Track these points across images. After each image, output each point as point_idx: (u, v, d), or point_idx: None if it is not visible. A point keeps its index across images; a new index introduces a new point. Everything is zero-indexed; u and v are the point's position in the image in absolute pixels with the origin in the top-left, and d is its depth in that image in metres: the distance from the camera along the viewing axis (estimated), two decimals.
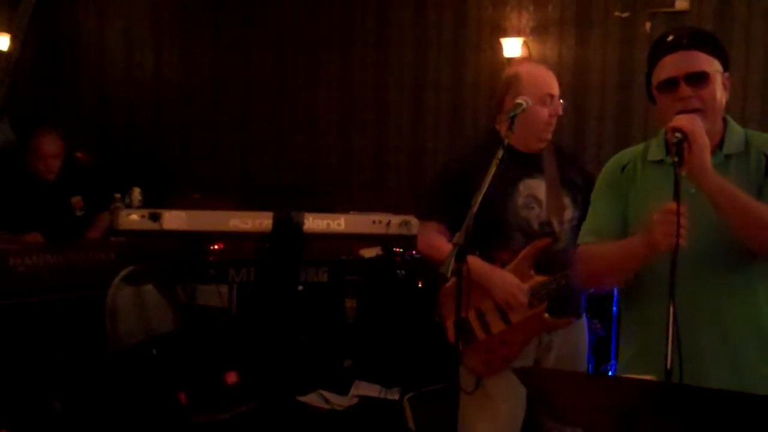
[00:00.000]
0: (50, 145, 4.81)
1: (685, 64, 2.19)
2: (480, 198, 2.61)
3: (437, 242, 3.06)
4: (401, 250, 5.45)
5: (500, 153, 2.71)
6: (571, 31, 6.53)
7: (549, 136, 3.14)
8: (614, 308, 4.80)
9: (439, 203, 3.13)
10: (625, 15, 6.31)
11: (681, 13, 6.07)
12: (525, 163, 3.12)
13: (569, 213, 3.10)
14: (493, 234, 3.04)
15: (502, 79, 3.23)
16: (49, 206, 4.80)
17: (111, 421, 3.97)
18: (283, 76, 7.59)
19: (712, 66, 2.21)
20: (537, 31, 6.61)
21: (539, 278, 3.04)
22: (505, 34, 6.66)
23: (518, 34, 6.63)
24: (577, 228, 2.81)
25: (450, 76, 6.99)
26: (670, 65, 2.21)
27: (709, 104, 2.19)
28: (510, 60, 6.59)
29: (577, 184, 3.14)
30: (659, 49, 2.26)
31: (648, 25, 6.22)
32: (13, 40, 3.09)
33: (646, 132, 6.17)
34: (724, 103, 2.26)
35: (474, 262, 2.89)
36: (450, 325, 3.09)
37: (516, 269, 3.06)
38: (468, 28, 6.91)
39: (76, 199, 4.90)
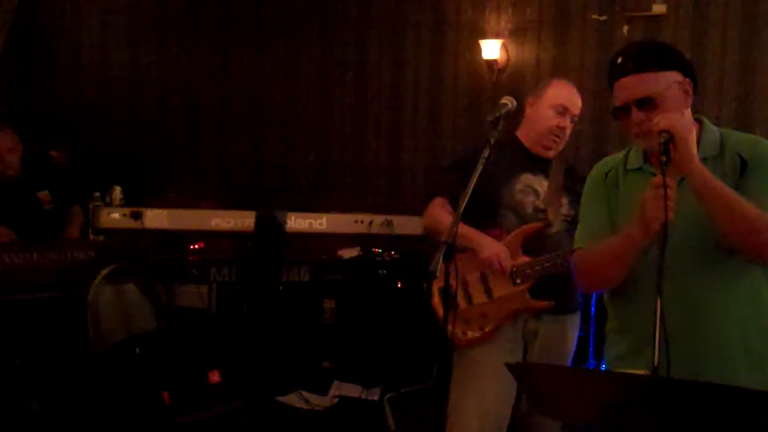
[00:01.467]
0: (3, 140, 4.74)
1: (633, 90, 2.25)
2: (467, 198, 2.67)
3: (441, 215, 3.17)
4: (380, 250, 5.47)
5: (486, 151, 2.79)
6: (549, 34, 6.57)
7: (552, 145, 3.25)
8: (592, 308, 4.86)
9: (447, 182, 3.22)
10: (603, 18, 6.35)
11: (658, 17, 6.12)
12: (531, 162, 3.25)
13: (565, 210, 3.21)
14: (487, 212, 3.16)
15: (536, 84, 3.42)
16: (14, 202, 4.75)
17: (93, 421, 3.94)
18: (260, 75, 7.56)
19: (662, 84, 2.24)
20: (515, 34, 6.64)
21: (526, 258, 3.12)
22: (484, 36, 6.69)
23: (497, 36, 6.66)
24: (570, 224, 2.90)
25: (428, 78, 7.00)
26: (621, 91, 2.28)
27: None
28: (489, 62, 6.63)
29: (579, 194, 3.22)
30: (612, 73, 2.32)
31: (626, 28, 6.27)
32: None
33: (622, 135, 6.23)
34: (687, 109, 2.29)
35: (464, 228, 2.97)
36: (436, 290, 3.16)
37: (505, 246, 3.13)
38: (447, 31, 6.92)
39: (43, 194, 4.85)
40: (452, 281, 3.08)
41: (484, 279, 3.19)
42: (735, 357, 2.21)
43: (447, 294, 2.67)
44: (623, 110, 2.27)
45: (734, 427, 1.77)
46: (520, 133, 3.31)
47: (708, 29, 5.99)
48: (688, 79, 2.29)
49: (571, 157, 3.44)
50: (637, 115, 2.24)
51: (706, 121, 2.35)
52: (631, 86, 2.24)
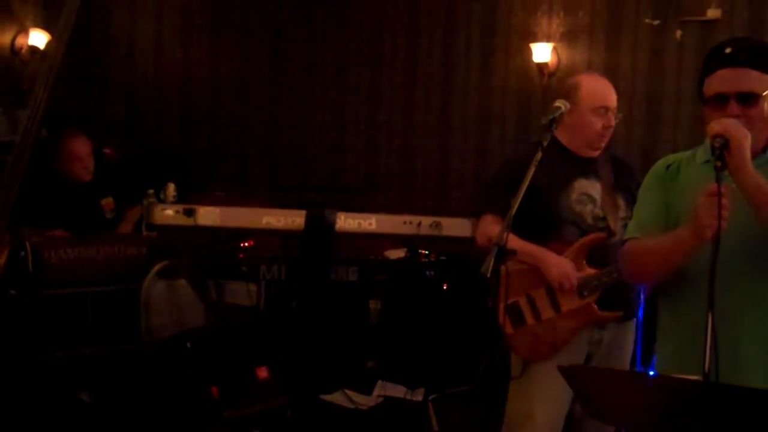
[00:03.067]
0: (82, 146, 4.87)
1: (737, 82, 2.23)
2: (519, 201, 2.70)
3: (495, 233, 3.11)
4: (427, 252, 5.47)
5: (538, 155, 2.83)
6: (601, 38, 6.53)
7: (602, 145, 3.25)
8: (640, 314, 4.81)
9: (496, 197, 3.20)
10: (656, 23, 6.31)
11: (713, 21, 6.06)
12: (580, 165, 3.24)
13: (623, 212, 3.20)
14: (547, 226, 3.15)
15: (562, 88, 3.34)
16: (79, 207, 4.85)
17: (142, 413, 4.01)
18: (311, 75, 7.62)
19: (764, 85, 2.24)
20: (567, 37, 6.62)
21: (591, 270, 3.11)
22: (535, 40, 6.67)
23: (548, 39, 6.64)
24: None
25: (478, 81, 7.00)
26: (723, 80, 2.25)
27: (756, 123, 2.23)
28: (540, 66, 6.61)
29: (631, 189, 3.22)
30: (715, 60, 2.29)
31: (679, 33, 6.21)
32: (55, 38, 3.12)
33: (674, 139, 6.18)
34: None
35: (529, 246, 2.98)
36: (501, 309, 3.17)
37: (569, 260, 3.13)
38: (497, 34, 6.92)
39: (107, 201, 4.95)
40: (520, 300, 3.14)
41: (550, 293, 3.16)
42: None
43: (499, 294, 2.68)
44: (720, 99, 2.25)
45: None
46: (563, 138, 3.23)
47: (764, 33, 5.91)
48: None
49: (612, 147, 3.38)
50: (733, 108, 2.23)
51: None
52: (737, 78, 2.24)
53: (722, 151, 2.10)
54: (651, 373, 3.49)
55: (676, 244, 2.22)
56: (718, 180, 2.05)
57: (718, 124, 2.14)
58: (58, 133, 5.00)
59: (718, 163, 2.09)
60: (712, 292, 1.97)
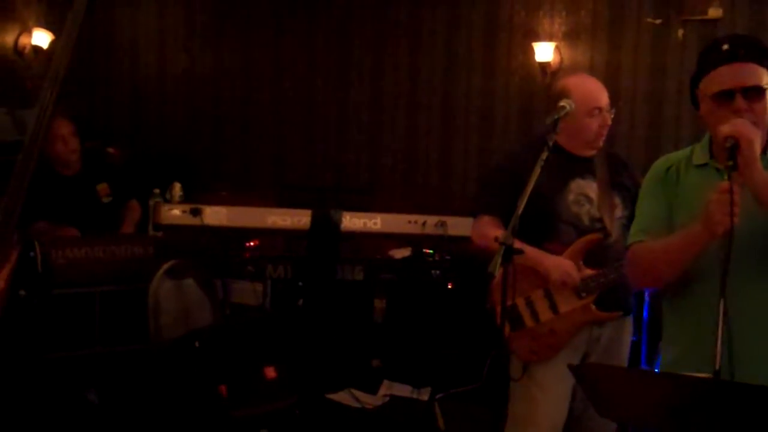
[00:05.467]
0: (64, 126, 4.87)
1: (741, 77, 2.25)
2: (525, 200, 2.74)
3: (492, 233, 3.11)
4: (431, 251, 5.50)
5: (544, 154, 2.84)
6: (604, 37, 6.55)
7: (600, 143, 3.25)
8: (645, 314, 4.84)
9: (492, 198, 3.22)
10: (658, 22, 6.33)
11: (714, 20, 6.08)
12: (576, 165, 3.24)
13: (619, 211, 3.21)
14: (544, 227, 3.16)
15: (553, 90, 3.34)
16: (74, 195, 4.88)
17: (151, 412, 4.03)
18: (314, 75, 7.64)
19: (766, 79, 2.26)
20: (569, 36, 6.64)
21: (589, 271, 3.13)
22: (538, 39, 6.69)
23: (550, 38, 6.66)
24: (626, 227, 2.91)
25: (481, 80, 7.02)
26: (727, 76, 2.26)
27: (761, 117, 2.25)
28: (542, 65, 6.63)
29: (627, 186, 3.25)
30: (713, 57, 2.30)
31: (681, 32, 6.24)
32: (64, 39, 3.13)
33: (676, 138, 6.20)
34: None
35: (528, 248, 3.01)
36: (499, 311, 3.18)
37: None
38: (500, 32, 6.94)
39: (102, 186, 4.97)
40: (518, 302, 3.16)
41: (548, 295, 3.19)
42: None
43: (505, 293, 2.70)
44: (725, 96, 2.26)
45: None
46: (560, 139, 3.16)
47: (764, 32, 5.93)
48: None
49: (614, 146, 3.39)
50: (740, 103, 2.24)
51: None
52: (740, 74, 2.25)
53: (733, 152, 2.12)
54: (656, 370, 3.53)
55: (686, 243, 2.23)
56: (730, 178, 2.07)
57: (729, 126, 2.16)
58: None
59: (730, 163, 2.11)
60: (724, 287, 1.99)
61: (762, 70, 2.26)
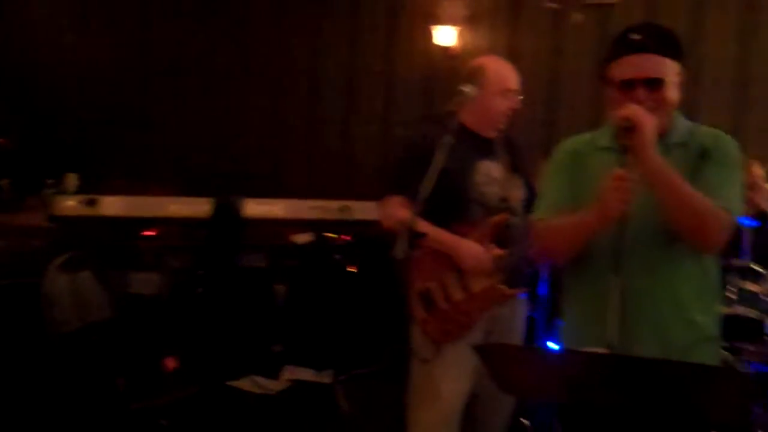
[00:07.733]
0: None
1: (645, 68, 2.29)
2: (431, 185, 2.73)
3: (399, 214, 3.11)
4: (334, 235, 5.48)
5: (446, 140, 2.87)
6: (503, 21, 6.63)
7: (503, 126, 3.29)
8: (542, 290, 4.92)
9: (402, 179, 3.21)
10: (556, 6, 6.42)
11: (611, 4, 6.21)
12: (482, 146, 3.27)
13: (521, 193, 3.24)
14: (453, 207, 3.18)
15: (465, 70, 3.36)
16: None
17: (47, 408, 3.91)
18: (213, 60, 7.51)
19: (670, 71, 2.31)
20: (469, 20, 6.68)
21: (497, 251, 3.16)
22: (438, 23, 6.72)
23: (451, 22, 6.69)
24: (527, 208, 2.96)
25: (382, 63, 7.02)
26: (631, 66, 2.31)
27: (661, 106, 2.30)
28: (443, 48, 6.67)
29: (526, 169, 3.29)
30: (622, 46, 2.34)
31: (578, 15, 6.35)
32: None
33: (573, 119, 6.32)
34: (676, 102, 2.37)
35: (440, 233, 3.05)
36: (416, 296, 3.20)
37: (476, 242, 3.17)
38: (400, 16, 6.94)
39: (3, 182, 4.81)
40: (431, 285, 3.17)
41: (460, 276, 3.21)
42: (677, 331, 2.29)
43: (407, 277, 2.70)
44: (627, 84, 2.30)
45: (690, 401, 1.84)
46: (467, 120, 3.24)
47: (659, 18, 6.07)
48: (682, 73, 2.36)
49: (513, 126, 3.44)
50: (641, 93, 2.28)
51: (678, 114, 2.42)
52: (645, 65, 2.29)
53: (626, 133, 2.17)
54: (555, 346, 3.61)
55: (583, 224, 2.29)
56: (623, 163, 2.14)
57: (626, 109, 2.21)
58: None
59: (624, 141, 2.16)
60: (617, 267, 2.08)
61: (667, 62, 2.31)
